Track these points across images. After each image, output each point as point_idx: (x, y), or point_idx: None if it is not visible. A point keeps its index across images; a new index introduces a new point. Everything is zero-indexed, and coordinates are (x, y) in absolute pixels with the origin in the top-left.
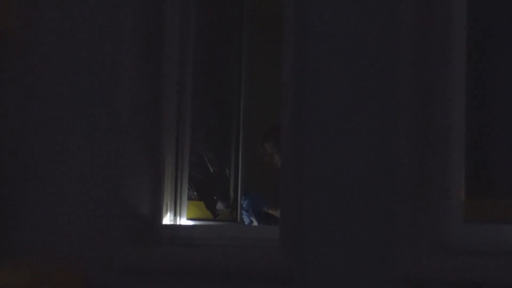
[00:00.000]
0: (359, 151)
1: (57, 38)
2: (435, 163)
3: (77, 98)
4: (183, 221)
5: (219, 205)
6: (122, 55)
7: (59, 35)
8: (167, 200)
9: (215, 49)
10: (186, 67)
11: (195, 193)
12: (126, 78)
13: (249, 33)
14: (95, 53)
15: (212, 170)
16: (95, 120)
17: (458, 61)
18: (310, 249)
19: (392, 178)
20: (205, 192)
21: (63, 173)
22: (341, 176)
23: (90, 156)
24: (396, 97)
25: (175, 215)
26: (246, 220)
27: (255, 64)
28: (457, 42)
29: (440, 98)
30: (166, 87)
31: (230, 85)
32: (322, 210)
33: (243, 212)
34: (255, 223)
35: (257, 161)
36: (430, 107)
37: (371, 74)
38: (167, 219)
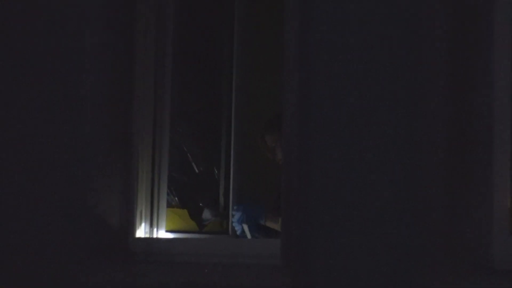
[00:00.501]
0: (380, 150)
1: (20, 28)
2: (475, 166)
3: (36, 87)
4: (162, 233)
5: (206, 214)
6: (87, 38)
7: (23, 24)
8: (142, 207)
9: (205, 34)
10: (164, 50)
11: (176, 198)
12: (92, 62)
13: (241, 20)
14: (58, 38)
15: (197, 171)
16: (54, 110)
17: (503, 53)
18: (318, 268)
19: (422, 183)
20: (189, 197)
21: (15, 174)
22: (357, 180)
23: (48, 154)
24: (430, 93)
25: (151, 226)
26: (238, 229)
27: (250, 50)
28: (501, 36)
29: (482, 95)
30: (139, 70)
31: (220, 70)
32: (333, 221)
33: (233, 219)
34: (248, 235)
35: (253, 159)
36: (470, 103)
37: (400, 64)
38: (141, 231)
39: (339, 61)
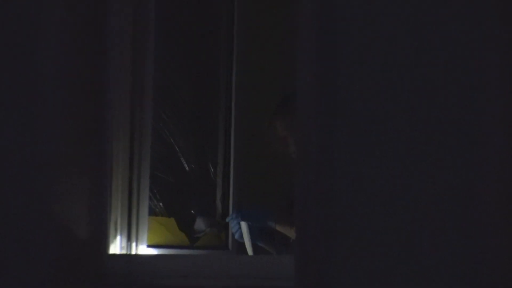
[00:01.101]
0: (421, 141)
1: None
2: None
3: None
4: (142, 249)
5: (200, 224)
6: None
7: None
8: (116, 215)
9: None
10: (147, 14)
11: (161, 204)
12: (52, 31)
13: None
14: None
15: (188, 168)
16: (4, 94)
17: None
18: None
19: (476, 190)
20: (177, 203)
21: None
22: (392, 179)
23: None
24: (483, 77)
25: (129, 239)
26: (235, 230)
27: (254, 22)
28: None
29: None
30: (114, 41)
31: (217, 45)
32: (362, 232)
33: (232, 216)
34: (246, 236)
35: (258, 153)
36: None
37: (447, 46)
38: (116, 246)
39: (369, 31)
